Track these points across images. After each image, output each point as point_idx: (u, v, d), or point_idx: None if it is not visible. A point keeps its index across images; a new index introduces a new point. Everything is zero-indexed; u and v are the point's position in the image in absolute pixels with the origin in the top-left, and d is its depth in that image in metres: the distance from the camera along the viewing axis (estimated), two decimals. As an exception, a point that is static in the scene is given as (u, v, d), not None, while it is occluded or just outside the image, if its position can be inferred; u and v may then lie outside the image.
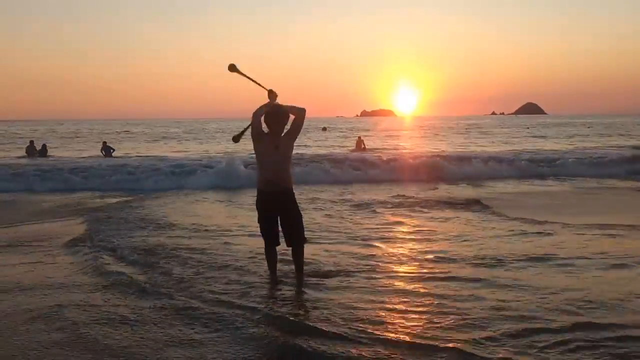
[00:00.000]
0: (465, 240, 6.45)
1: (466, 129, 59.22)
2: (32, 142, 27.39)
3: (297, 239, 4.80)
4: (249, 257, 5.68)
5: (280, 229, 4.83)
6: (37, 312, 4.14)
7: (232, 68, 4.73)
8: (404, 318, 3.96)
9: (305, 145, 31.87)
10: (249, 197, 8.76)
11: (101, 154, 25.10)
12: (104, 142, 26.95)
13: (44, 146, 26.19)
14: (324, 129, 63.42)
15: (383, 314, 4.04)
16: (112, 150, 25.39)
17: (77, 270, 5.40)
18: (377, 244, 6.36)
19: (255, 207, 4.88)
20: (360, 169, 14.85)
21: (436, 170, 15.34)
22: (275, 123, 4.63)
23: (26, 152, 25.56)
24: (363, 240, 6.59)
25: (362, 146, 24.66)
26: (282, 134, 4.70)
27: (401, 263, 5.58)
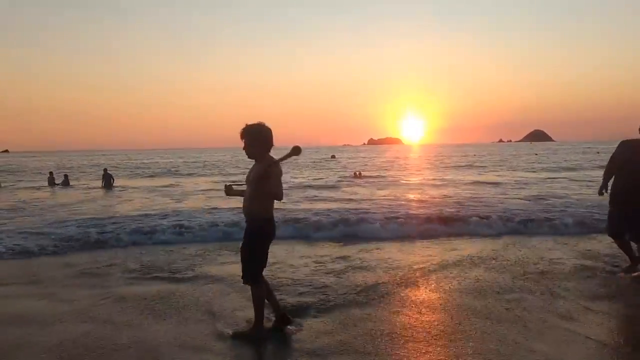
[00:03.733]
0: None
1: (478, 157, 59.21)
2: (51, 173, 28.40)
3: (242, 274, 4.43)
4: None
5: None
6: None
7: (229, 191, 4.68)
8: None
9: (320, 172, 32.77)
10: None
11: (100, 184, 24.91)
12: (105, 170, 26.46)
13: (66, 177, 27.08)
14: (333, 156, 65.33)
15: None
16: (112, 180, 25.00)
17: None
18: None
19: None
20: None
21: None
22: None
23: (48, 183, 26.44)
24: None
25: (358, 174, 31.12)
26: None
27: None
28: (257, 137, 4.26)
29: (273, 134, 4.32)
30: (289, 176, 29.70)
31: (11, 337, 4.52)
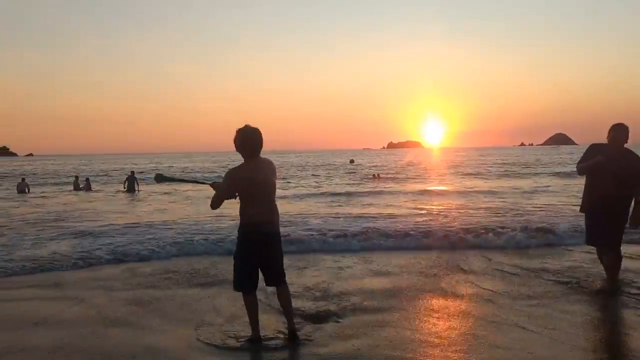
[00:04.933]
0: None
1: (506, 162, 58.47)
2: (76, 177, 28.98)
3: None
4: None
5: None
6: None
7: (159, 178, 4.99)
8: None
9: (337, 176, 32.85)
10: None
11: (122, 188, 24.95)
12: (132, 172, 26.40)
13: (87, 180, 27.55)
14: (352, 161, 64.90)
15: None
16: (137, 184, 24.76)
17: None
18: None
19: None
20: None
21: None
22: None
23: (74, 187, 26.89)
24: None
25: (377, 176, 32.99)
26: None
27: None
28: (236, 144, 4.26)
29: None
30: (309, 182, 29.80)
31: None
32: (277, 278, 4.41)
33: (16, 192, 25.22)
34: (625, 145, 5.71)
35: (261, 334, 4.52)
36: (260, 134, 4.28)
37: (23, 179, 27.81)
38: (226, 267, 7.24)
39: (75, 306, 5.74)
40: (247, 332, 4.59)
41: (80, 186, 26.58)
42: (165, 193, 23.38)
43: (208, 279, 6.91)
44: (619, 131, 5.63)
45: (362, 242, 9.08)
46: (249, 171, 4.23)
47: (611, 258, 5.86)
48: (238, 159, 4.37)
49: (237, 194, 4.31)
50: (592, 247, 6.23)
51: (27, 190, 25.32)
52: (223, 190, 4.32)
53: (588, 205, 5.87)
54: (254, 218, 4.25)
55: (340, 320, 5.02)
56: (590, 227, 5.90)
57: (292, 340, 4.44)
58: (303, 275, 6.88)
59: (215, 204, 4.37)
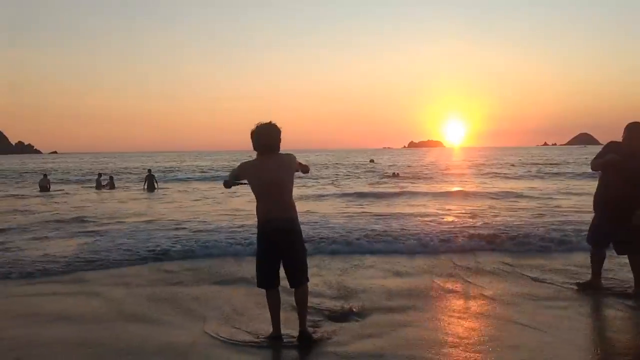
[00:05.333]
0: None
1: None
2: (100, 174, 29.32)
3: None
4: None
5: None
6: None
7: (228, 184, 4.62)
8: None
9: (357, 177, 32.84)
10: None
11: (143, 188, 24.88)
12: (149, 171, 26.54)
13: (111, 178, 27.89)
14: (372, 160, 64.64)
15: None
16: (156, 182, 24.91)
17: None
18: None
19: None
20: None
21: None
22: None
23: (96, 186, 27.14)
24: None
25: (397, 174, 34.60)
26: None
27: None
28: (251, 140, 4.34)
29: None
30: (329, 181, 29.81)
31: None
32: (295, 278, 4.35)
33: (38, 189, 25.31)
34: None
35: (283, 332, 4.51)
36: (274, 130, 4.25)
37: (45, 175, 27.97)
38: (248, 265, 7.28)
39: (94, 302, 5.81)
40: (268, 329, 4.60)
41: (103, 184, 26.90)
42: (182, 191, 23.61)
43: (229, 277, 6.93)
44: (634, 130, 5.51)
45: (383, 243, 8.95)
46: (258, 170, 4.26)
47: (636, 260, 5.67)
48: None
49: (240, 181, 4.42)
50: (612, 252, 5.95)
51: (48, 187, 25.34)
52: (230, 175, 4.47)
53: (600, 204, 5.73)
54: (266, 215, 4.28)
55: (361, 320, 5.01)
56: (597, 227, 5.77)
57: (301, 341, 4.37)
58: (323, 274, 6.87)
59: (226, 183, 4.52)
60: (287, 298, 4.73)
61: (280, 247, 4.28)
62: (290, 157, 4.37)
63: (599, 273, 5.89)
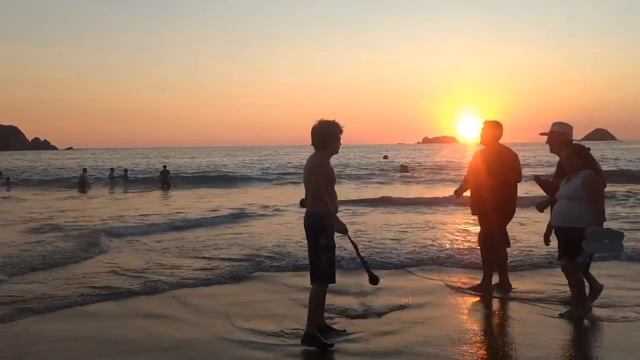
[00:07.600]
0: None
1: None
2: (112, 169, 29.57)
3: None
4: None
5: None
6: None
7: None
8: None
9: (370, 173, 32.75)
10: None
11: (159, 184, 23.86)
12: (164, 166, 26.17)
13: (126, 171, 28.13)
14: (386, 157, 64.22)
15: None
16: (170, 178, 24.19)
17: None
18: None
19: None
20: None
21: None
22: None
23: (109, 177, 27.24)
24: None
25: (405, 168, 34.96)
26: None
27: None
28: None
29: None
30: (344, 180, 29.80)
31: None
32: (311, 272, 4.37)
33: (77, 188, 23.12)
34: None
35: (296, 328, 4.63)
36: (314, 129, 4.35)
37: (85, 170, 26.18)
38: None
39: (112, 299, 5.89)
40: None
41: (116, 175, 26.83)
42: (194, 188, 23.60)
43: (249, 275, 7.01)
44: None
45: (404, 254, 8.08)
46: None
47: None
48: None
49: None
50: None
51: (88, 186, 23.31)
52: None
53: None
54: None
55: (379, 317, 5.09)
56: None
57: (301, 341, 4.37)
58: (342, 273, 6.91)
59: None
60: (298, 295, 4.78)
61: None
62: (315, 160, 4.33)
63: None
